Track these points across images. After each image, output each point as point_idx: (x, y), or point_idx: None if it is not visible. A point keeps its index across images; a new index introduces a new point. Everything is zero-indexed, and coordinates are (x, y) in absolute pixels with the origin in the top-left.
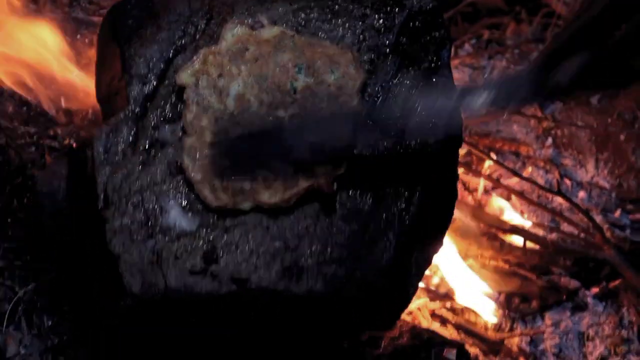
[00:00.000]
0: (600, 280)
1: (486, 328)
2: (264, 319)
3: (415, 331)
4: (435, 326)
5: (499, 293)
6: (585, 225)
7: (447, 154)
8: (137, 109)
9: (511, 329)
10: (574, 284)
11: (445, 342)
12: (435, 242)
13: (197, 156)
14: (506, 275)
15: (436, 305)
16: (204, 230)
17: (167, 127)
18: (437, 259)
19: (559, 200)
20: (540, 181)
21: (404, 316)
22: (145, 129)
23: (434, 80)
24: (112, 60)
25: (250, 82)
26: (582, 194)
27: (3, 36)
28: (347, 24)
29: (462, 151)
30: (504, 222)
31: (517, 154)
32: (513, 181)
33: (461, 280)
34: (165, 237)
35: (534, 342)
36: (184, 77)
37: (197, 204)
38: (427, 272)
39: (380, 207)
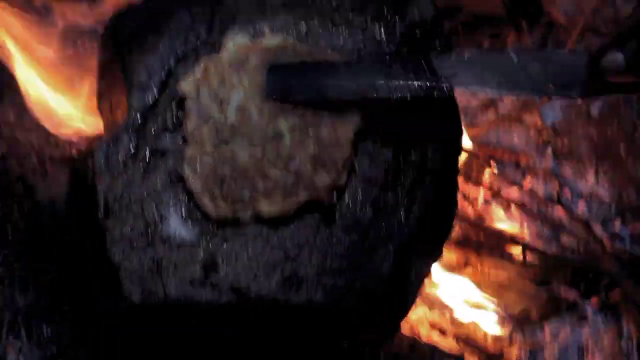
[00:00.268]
0: (600, 292)
1: (485, 339)
2: (263, 328)
3: (415, 342)
4: (435, 337)
5: (498, 304)
6: (585, 236)
7: (447, 163)
8: (138, 119)
9: (510, 340)
10: (573, 295)
11: (445, 353)
12: (434, 252)
13: (198, 166)
14: (505, 286)
15: (435, 315)
16: (204, 239)
17: (167, 136)
18: (436, 268)
19: (558, 211)
20: (540, 192)
21: (404, 326)
22: (146, 139)
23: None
24: (113, 70)
25: (251, 92)
26: (581, 204)
27: None
28: (348, 34)
29: (462, 160)
30: (504, 233)
31: (517, 164)
32: (513, 191)
33: (460, 291)
34: (165, 246)
35: (533, 353)
36: (185, 86)
37: (197, 214)
38: (426, 282)
39: (380, 217)
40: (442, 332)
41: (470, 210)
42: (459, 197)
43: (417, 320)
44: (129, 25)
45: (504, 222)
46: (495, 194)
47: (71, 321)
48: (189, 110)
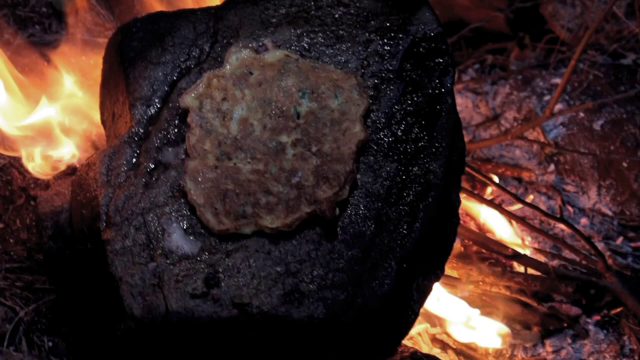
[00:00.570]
0: (602, 308)
1: (487, 354)
2: (264, 342)
3: (416, 356)
4: (436, 351)
5: (500, 319)
6: (587, 252)
7: (449, 179)
8: (141, 131)
9: (512, 356)
10: (575, 311)
11: None
12: (436, 269)
13: (200, 179)
14: (507, 301)
15: (437, 330)
16: (206, 253)
17: (170, 149)
18: (437, 283)
19: (561, 226)
20: (543, 207)
21: (405, 341)
22: (149, 152)
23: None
24: (116, 82)
25: (254, 106)
26: (584, 220)
27: None
28: (351, 49)
29: (465, 176)
30: (506, 248)
31: (519, 180)
32: (515, 207)
33: (461, 305)
34: (167, 259)
35: None
36: (188, 100)
37: (199, 227)
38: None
39: (382, 232)
40: (444, 346)
41: (472, 225)
42: (461, 211)
43: (418, 334)
44: (133, 38)
45: (505, 236)
46: (498, 209)
47: (71, 343)
48: (192, 124)
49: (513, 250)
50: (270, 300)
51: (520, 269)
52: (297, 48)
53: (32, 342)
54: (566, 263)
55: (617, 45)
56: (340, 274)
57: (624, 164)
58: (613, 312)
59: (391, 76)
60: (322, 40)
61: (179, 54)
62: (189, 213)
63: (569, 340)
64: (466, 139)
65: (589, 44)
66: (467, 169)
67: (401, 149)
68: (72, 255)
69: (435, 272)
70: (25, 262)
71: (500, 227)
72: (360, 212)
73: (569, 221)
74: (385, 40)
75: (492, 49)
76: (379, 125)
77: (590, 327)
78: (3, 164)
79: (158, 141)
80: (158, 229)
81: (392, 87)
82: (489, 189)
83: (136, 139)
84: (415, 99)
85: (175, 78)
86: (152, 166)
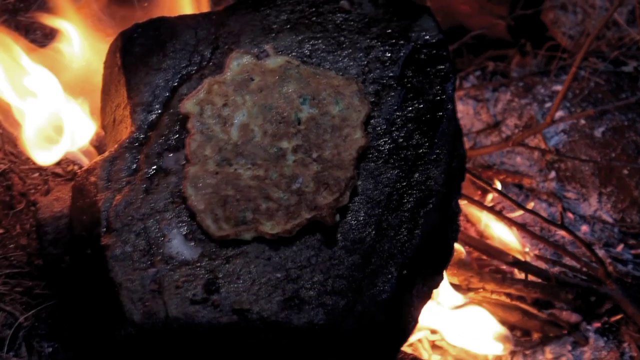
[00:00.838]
0: (602, 315)
1: None
2: (263, 348)
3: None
4: (436, 358)
5: (500, 325)
6: (588, 259)
7: (450, 185)
8: (141, 137)
9: None
10: (575, 318)
11: None
12: (436, 275)
13: (200, 185)
14: (507, 308)
15: (437, 336)
16: (206, 259)
17: (170, 155)
18: (437, 292)
19: (561, 233)
20: (543, 214)
21: (405, 348)
22: (149, 157)
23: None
24: (117, 88)
25: (255, 112)
26: (584, 227)
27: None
28: (352, 56)
29: (465, 183)
30: (506, 255)
31: (520, 187)
32: (516, 214)
33: (461, 312)
34: (167, 265)
35: None
36: (189, 105)
37: (199, 233)
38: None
39: (383, 239)
40: (443, 353)
41: (472, 232)
42: (462, 218)
43: (418, 341)
44: (134, 44)
45: (506, 243)
46: (498, 216)
47: (71, 348)
48: (192, 130)
49: (513, 257)
50: (270, 306)
51: (520, 275)
52: (298, 54)
53: (32, 347)
54: (567, 270)
55: (618, 52)
56: (340, 280)
57: (625, 171)
58: (613, 319)
59: (392, 82)
60: (323, 47)
61: (180, 60)
62: (189, 219)
63: (569, 348)
64: (467, 146)
65: (590, 51)
66: (467, 175)
67: (402, 156)
68: (71, 261)
69: (435, 279)
70: (25, 268)
71: (500, 234)
72: (361, 218)
73: (569, 228)
74: (387, 47)
75: (493, 56)
76: (379, 132)
77: (591, 334)
78: (3, 169)
79: (158, 147)
80: (158, 235)
81: (393, 94)
82: (490, 196)
83: (137, 144)
84: (416, 105)
85: (176, 84)
86: (153, 172)
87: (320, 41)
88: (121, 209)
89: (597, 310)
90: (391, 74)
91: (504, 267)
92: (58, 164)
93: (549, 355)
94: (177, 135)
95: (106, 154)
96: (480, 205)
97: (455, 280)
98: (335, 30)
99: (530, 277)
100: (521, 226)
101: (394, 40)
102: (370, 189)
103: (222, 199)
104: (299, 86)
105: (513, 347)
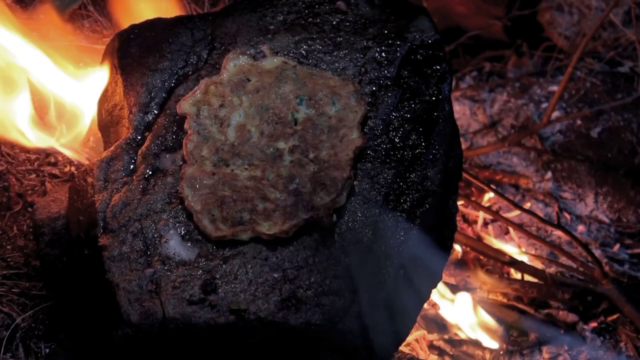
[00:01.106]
0: (599, 315)
1: None
2: (261, 349)
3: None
4: (433, 358)
5: (497, 325)
6: (584, 259)
7: (447, 186)
8: (138, 138)
9: None
10: (572, 317)
11: None
12: (433, 275)
13: (197, 186)
14: (504, 307)
15: (434, 336)
16: (203, 260)
17: (167, 156)
18: (434, 290)
19: (558, 233)
20: (540, 214)
21: (402, 347)
22: (146, 158)
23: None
24: (114, 89)
25: (252, 112)
26: (581, 227)
27: None
28: (349, 56)
29: (462, 183)
30: (503, 255)
31: (516, 187)
32: (512, 214)
33: (458, 312)
34: (164, 266)
35: None
36: (186, 106)
37: (196, 234)
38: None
39: (380, 239)
40: (440, 353)
41: (469, 232)
42: (459, 218)
43: (416, 340)
44: (130, 45)
45: (503, 243)
46: (495, 216)
47: (68, 349)
48: (189, 130)
49: (510, 257)
50: (267, 306)
51: (517, 275)
52: (295, 55)
53: (29, 348)
54: (563, 270)
55: (614, 52)
56: (337, 280)
57: (621, 171)
58: (610, 319)
59: (389, 83)
60: (320, 47)
61: (176, 61)
62: (186, 219)
63: (566, 347)
64: (463, 146)
65: (586, 51)
66: (464, 175)
67: (398, 156)
68: (69, 262)
69: (432, 279)
70: (22, 269)
71: (497, 234)
72: (358, 218)
73: (566, 228)
74: (383, 48)
75: (489, 57)
76: (376, 132)
77: (587, 333)
78: (0, 170)
79: (155, 147)
80: (155, 236)
81: (389, 94)
82: (487, 196)
83: (133, 145)
84: (413, 105)
85: (172, 85)
86: (150, 172)
87: (316, 42)
88: (118, 209)
89: (594, 310)
90: (388, 75)
91: (500, 267)
92: (55, 165)
93: (545, 355)
94: (174, 136)
95: (103, 154)
96: (477, 205)
97: (453, 280)
98: (331, 31)
99: (527, 277)
100: (518, 226)
101: (390, 41)
102: (367, 190)
103: (219, 200)
104: (296, 87)
105: (510, 347)
